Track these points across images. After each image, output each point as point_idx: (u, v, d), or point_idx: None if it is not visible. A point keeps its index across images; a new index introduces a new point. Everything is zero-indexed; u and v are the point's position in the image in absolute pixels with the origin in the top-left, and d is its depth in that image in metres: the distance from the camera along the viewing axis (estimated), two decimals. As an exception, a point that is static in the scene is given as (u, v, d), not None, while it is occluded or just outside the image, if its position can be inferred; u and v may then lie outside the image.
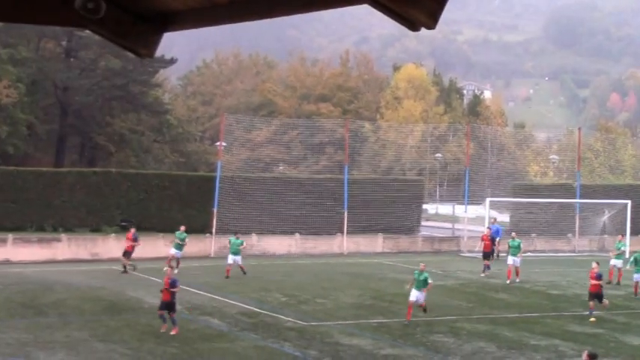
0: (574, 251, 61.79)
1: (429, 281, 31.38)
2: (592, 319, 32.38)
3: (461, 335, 29.44)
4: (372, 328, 30.58)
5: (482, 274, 45.95)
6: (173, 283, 28.79)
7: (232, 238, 43.89)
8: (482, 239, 48.00)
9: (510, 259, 44.01)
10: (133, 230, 44.86)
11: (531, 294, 39.99)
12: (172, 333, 28.13)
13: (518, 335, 29.78)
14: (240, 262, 43.15)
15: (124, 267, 43.59)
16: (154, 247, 51.00)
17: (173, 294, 28.69)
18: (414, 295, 31.06)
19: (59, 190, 57.81)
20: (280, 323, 31.10)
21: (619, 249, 45.58)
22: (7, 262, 47.20)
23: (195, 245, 53.28)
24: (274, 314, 32.73)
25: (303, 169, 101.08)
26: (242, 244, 43.74)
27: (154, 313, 31.43)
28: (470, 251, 58.89)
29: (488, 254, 46.93)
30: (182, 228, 44.87)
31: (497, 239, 54.02)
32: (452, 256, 57.61)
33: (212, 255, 53.39)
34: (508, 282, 42.77)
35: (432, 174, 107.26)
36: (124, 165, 68.92)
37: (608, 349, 27.86)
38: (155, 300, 35.38)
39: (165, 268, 31.38)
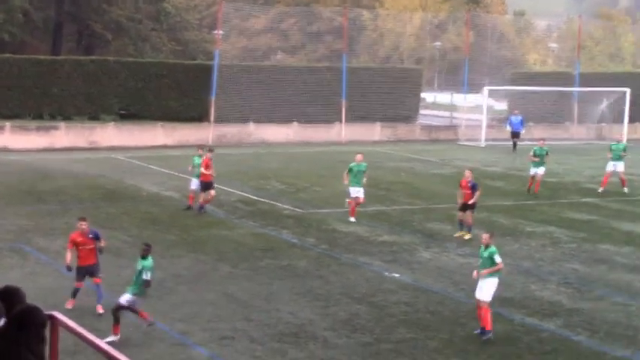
0: (571, 139, 61.80)
1: (497, 262, 19.27)
2: (460, 233, 27.23)
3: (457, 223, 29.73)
4: (369, 215, 30.86)
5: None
6: (96, 235, 19.78)
7: (196, 157, 31.35)
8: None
9: (533, 170, 37.17)
10: (209, 154, 31.26)
11: (528, 182, 40.15)
12: (99, 309, 19.14)
13: (513, 223, 30.09)
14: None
15: (201, 206, 30.51)
16: (153, 135, 51.14)
17: (97, 252, 19.82)
18: None
19: (56, 78, 57.47)
20: (278, 211, 31.39)
21: (536, 154, 37.27)
22: (5, 150, 47.26)
23: (194, 134, 53.35)
24: (272, 202, 33.00)
25: (301, 58, 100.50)
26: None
27: (153, 200, 31.74)
28: (468, 140, 58.99)
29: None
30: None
31: (521, 131, 55.79)
32: (449, 145, 57.72)
33: (210, 142, 53.49)
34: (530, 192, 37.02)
35: (430, 62, 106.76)
36: (122, 54, 68.35)
37: (602, 235, 28.21)
38: (153, 188, 35.71)
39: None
